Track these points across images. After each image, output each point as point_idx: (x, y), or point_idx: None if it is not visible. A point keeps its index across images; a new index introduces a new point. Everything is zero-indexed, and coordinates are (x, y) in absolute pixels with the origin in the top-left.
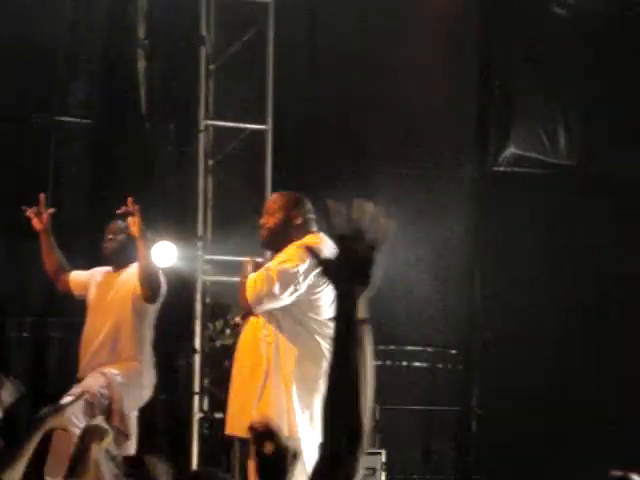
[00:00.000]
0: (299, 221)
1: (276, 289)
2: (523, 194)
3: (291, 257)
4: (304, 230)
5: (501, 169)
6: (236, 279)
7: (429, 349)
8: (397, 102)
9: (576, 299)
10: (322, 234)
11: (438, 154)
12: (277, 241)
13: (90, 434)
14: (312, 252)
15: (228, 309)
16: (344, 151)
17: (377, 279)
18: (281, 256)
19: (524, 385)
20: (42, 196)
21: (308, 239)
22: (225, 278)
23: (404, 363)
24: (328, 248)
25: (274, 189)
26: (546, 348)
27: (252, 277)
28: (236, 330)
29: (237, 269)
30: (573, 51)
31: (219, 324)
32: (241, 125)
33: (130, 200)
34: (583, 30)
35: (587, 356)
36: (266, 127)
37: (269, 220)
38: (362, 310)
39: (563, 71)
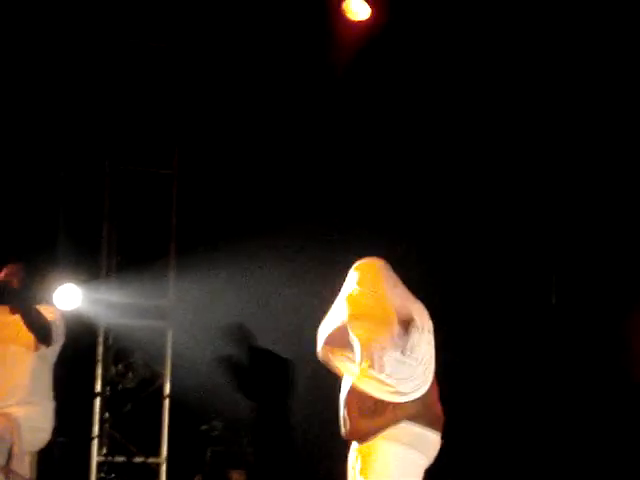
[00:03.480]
0: None
1: None
2: None
3: None
4: None
5: None
6: (140, 322)
7: None
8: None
9: None
10: None
11: None
12: None
13: None
14: None
15: (131, 353)
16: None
17: None
18: None
19: None
20: None
21: None
22: (128, 321)
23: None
24: None
25: (178, 234)
26: None
27: None
28: (137, 373)
29: (141, 312)
30: None
31: (121, 367)
32: (147, 169)
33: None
34: None
35: None
36: (172, 172)
37: None
38: None
39: None
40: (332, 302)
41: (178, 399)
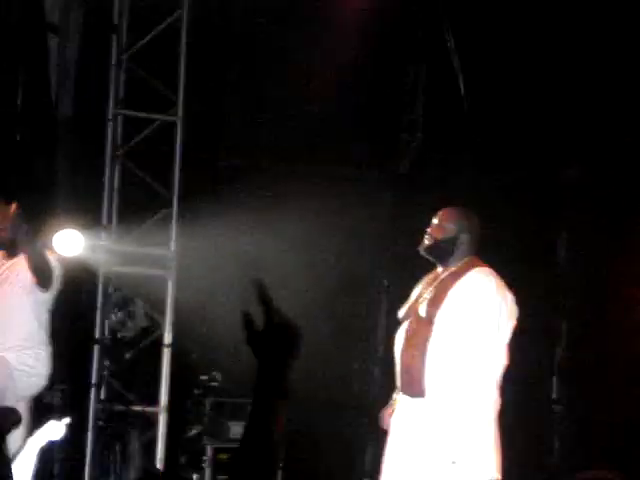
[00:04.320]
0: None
1: None
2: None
3: None
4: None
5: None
6: (140, 270)
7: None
8: (308, 100)
9: None
10: None
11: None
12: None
13: None
14: None
15: (131, 301)
16: (250, 148)
17: None
18: None
19: None
20: None
21: None
22: (129, 269)
23: None
24: None
25: (182, 181)
26: None
27: None
28: (137, 322)
29: (142, 260)
30: None
31: (121, 315)
32: (151, 115)
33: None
34: None
35: None
36: (176, 118)
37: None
38: None
39: None
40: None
41: (178, 349)
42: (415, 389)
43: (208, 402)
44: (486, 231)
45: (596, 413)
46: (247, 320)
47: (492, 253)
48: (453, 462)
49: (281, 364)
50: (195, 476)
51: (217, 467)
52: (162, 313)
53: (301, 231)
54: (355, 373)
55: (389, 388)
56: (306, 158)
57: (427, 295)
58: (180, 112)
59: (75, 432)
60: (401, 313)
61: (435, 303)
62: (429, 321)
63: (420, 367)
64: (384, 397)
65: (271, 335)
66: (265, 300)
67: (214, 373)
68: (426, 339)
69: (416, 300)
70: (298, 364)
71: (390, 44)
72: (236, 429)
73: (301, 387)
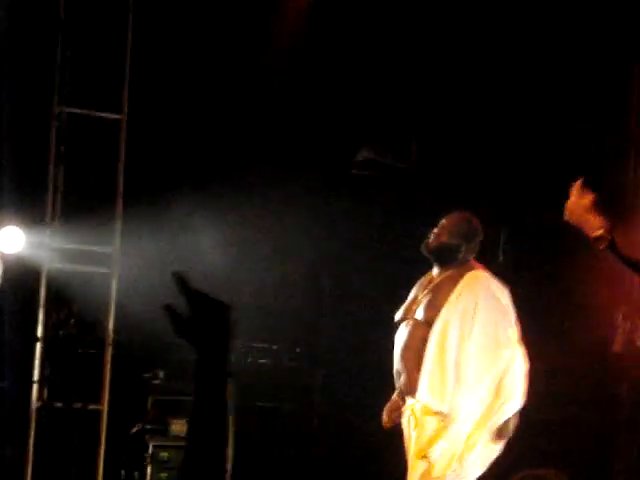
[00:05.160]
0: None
1: None
2: (374, 198)
3: None
4: None
5: (353, 173)
6: (83, 268)
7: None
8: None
9: None
10: None
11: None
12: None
13: None
14: None
15: (74, 299)
16: (194, 146)
17: None
18: None
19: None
20: None
21: None
22: (72, 267)
23: (249, 360)
24: None
25: (126, 179)
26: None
27: None
28: (80, 320)
29: (85, 258)
30: None
31: (63, 313)
32: (96, 113)
33: None
34: None
35: None
36: (121, 116)
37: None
38: None
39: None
40: (280, 249)
41: (121, 347)
42: (411, 390)
43: (150, 400)
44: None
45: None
46: (175, 313)
47: None
48: (423, 456)
49: (218, 350)
50: (136, 473)
51: (158, 464)
52: (105, 311)
53: (244, 227)
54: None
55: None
56: (250, 152)
57: (423, 298)
58: (125, 110)
59: (17, 430)
60: (398, 316)
61: (433, 306)
62: (426, 324)
63: (416, 369)
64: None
65: (203, 322)
66: (189, 290)
67: (157, 371)
68: (423, 341)
69: (413, 302)
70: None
71: None
72: (177, 427)
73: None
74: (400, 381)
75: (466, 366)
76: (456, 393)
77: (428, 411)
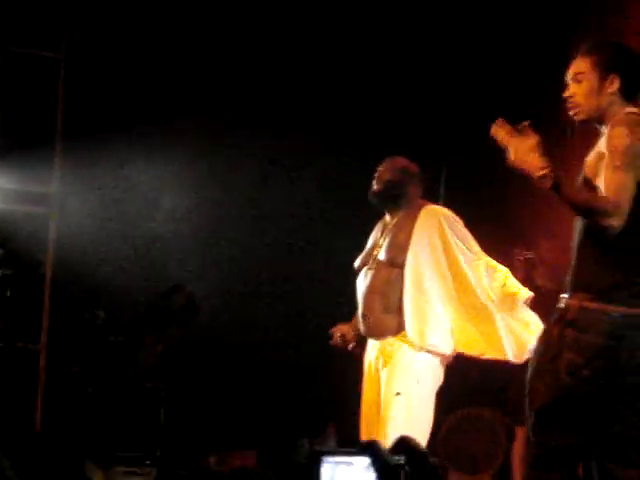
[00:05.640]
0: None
1: None
2: None
3: None
4: None
5: None
6: (22, 208)
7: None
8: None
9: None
10: None
11: None
12: None
13: None
14: None
15: (12, 239)
16: (138, 86)
17: None
18: None
19: None
20: None
21: None
22: (10, 207)
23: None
24: None
25: (65, 119)
26: None
27: None
28: (18, 259)
29: (24, 199)
30: None
31: (1, 253)
32: (35, 52)
33: None
34: None
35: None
36: (60, 56)
37: None
38: None
39: None
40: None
41: (60, 287)
42: (375, 331)
43: (91, 340)
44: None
45: None
46: None
47: None
48: (397, 393)
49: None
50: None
51: (99, 404)
52: (44, 251)
53: (186, 172)
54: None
55: None
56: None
57: (383, 242)
58: (64, 49)
59: None
60: (357, 262)
61: (395, 245)
62: (389, 264)
63: (381, 309)
64: None
65: None
66: None
67: (97, 311)
68: (387, 282)
69: (373, 248)
70: None
71: None
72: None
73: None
74: (366, 322)
75: (446, 300)
76: (437, 328)
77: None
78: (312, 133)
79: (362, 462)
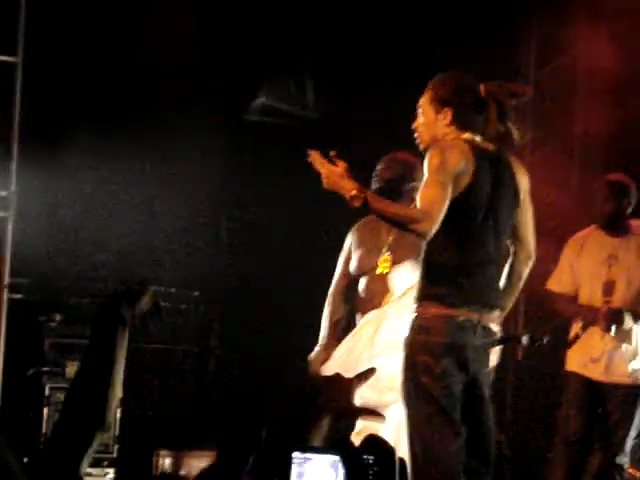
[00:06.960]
0: None
1: None
2: (270, 144)
3: None
4: None
5: (252, 118)
6: None
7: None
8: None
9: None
10: None
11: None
12: None
13: None
14: None
15: None
16: (94, 89)
17: None
18: None
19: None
20: None
21: None
22: None
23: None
24: None
25: (23, 124)
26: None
27: None
28: None
29: None
30: None
31: None
32: None
33: None
34: None
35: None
36: (17, 59)
37: None
38: None
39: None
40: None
41: (17, 290)
42: None
43: (47, 342)
44: None
45: None
46: None
47: None
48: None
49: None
50: (31, 414)
51: (55, 406)
52: (1, 255)
53: (143, 169)
54: None
55: None
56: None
57: (393, 242)
58: (20, 53)
59: None
60: (354, 267)
61: (414, 243)
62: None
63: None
64: None
65: None
66: None
67: (53, 314)
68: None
69: (378, 249)
70: None
71: None
72: (74, 369)
73: None
74: None
75: None
76: None
77: None
78: None
79: (331, 459)
